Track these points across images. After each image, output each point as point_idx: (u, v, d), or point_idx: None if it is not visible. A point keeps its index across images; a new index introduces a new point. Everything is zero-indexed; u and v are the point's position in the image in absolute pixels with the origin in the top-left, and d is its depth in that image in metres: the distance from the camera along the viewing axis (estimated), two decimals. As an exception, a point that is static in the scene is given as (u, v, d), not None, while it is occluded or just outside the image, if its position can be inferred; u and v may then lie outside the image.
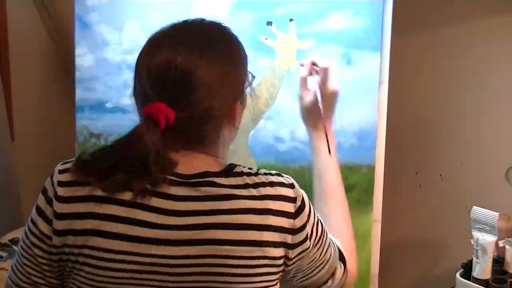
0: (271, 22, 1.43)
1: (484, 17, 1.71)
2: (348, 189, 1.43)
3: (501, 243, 1.43)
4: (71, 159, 0.88)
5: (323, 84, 1.11)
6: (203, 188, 0.83)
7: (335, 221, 1.06)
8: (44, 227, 0.84)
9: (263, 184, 0.86)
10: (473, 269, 1.43)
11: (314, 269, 0.93)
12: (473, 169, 1.79)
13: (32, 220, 0.87)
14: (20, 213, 1.59)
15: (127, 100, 1.48)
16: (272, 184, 0.87)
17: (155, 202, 0.82)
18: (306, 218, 0.88)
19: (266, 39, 1.43)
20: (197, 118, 0.85)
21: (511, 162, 1.63)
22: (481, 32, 1.72)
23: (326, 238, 0.94)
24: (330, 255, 0.95)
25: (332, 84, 1.11)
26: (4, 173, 1.55)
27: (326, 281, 0.97)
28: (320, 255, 0.93)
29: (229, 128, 0.92)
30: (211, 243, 0.81)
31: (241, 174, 0.87)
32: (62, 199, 0.83)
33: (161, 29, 0.91)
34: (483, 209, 1.43)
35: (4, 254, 1.44)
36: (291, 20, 1.42)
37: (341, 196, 1.11)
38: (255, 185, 0.85)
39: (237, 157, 1.44)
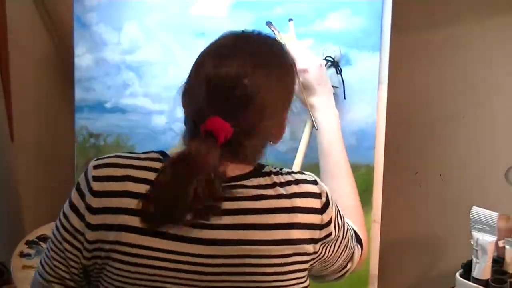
0: (271, 22, 1.42)
1: (484, 17, 1.71)
2: (348, 189, 1.43)
3: (501, 243, 1.43)
4: (107, 155, 0.89)
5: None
6: (233, 191, 0.84)
7: (344, 199, 1.09)
8: (76, 222, 0.85)
9: (289, 183, 0.87)
10: (472, 269, 1.43)
11: (336, 259, 0.96)
12: (473, 169, 1.79)
13: (64, 215, 0.87)
14: (20, 213, 1.59)
15: (127, 100, 1.49)
16: (297, 182, 0.88)
17: None
18: (331, 212, 0.90)
19: (266, 39, 1.43)
20: (250, 135, 0.86)
21: (511, 162, 1.63)
22: (480, 32, 1.72)
23: (345, 226, 0.96)
24: (348, 241, 0.97)
25: (300, 64, 1.16)
26: (3, 173, 1.55)
27: (346, 265, 1.00)
28: (341, 244, 0.95)
29: (275, 140, 0.94)
30: (244, 243, 0.82)
31: (269, 173, 0.87)
32: (97, 194, 0.84)
33: (223, 37, 0.91)
34: (483, 209, 1.43)
35: (31, 251, 1.42)
36: (290, 20, 1.42)
37: (347, 173, 1.15)
38: (282, 184, 0.87)
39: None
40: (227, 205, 0.83)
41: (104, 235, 0.83)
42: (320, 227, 0.88)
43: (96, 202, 0.83)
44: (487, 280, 1.41)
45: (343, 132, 1.44)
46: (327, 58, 1.39)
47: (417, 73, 1.80)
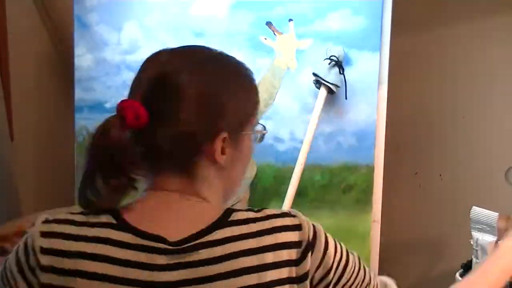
0: (271, 23, 1.43)
1: (484, 17, 1.71)
2: (348, 189, 1.44)
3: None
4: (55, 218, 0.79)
5: None
6: (194, 254, 0.74)
7: None
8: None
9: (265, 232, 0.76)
10: (472, 269, 1.43)
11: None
12: (473, 169, 1.79)
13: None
14: (20, 213, 1.59)
15: (126, 100, 1.49)
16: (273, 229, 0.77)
17: (147, 275, 0.74)
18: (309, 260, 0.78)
19: (266, 39, 1.43)
20: (170, 133, 0.77)
21: (511, 162, 1.63)
22: (480, 32, 1.72)
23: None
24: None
25: None
26: (3, 173, 1.54)
27: None
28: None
29: (209, 164, 0.79)
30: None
31: (239, 222, 0.77)
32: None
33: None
34: (483, 209, 1.43)
35: None
36: (290, 20, 1.42)
37: None
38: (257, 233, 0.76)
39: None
40: (187, 274, 0.74)
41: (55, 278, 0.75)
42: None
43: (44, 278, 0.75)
44: (487, 280, 1.41)
45: (343, 131, 1.44)
46: (331, 57, 1.39)
47: (417, 73, 1.80)
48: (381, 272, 1.47)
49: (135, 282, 0.74)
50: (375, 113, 1.43)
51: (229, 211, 0.78)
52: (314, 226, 0.80)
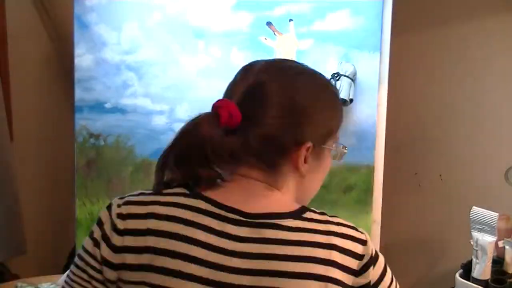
0: (271, 23, 1.43)
1: (484, 17, 1.71)
2: (348, 189, 1.44)
3: (500, 244, 1.43)
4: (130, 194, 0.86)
5: None
6: (267, 231, 0.79)
7: None
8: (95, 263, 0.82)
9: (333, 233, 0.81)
10: (472, 270, 1.43)
11: None
12: (473, 169, 1.79)
13: (86, 251, 0.83)
14: (19, 213, 1.59)
15: (126, 100, 1.49)
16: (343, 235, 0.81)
17: (215, 240, 0.78)
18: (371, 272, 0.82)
19: (266, 39, 1.43)
20: (260, 134, 0.82)
21: (511, 162, 1.63)
22: (480, 32, 1.72)
23: None
24: None
25: None
26: (3, 173, 1.54)
27: None
28: None
29: (291, 169, 0.84)
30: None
31: (313, 220, 0.81)
32: (121, 232, 0.81)
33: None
34: (483, 209, 1.43)
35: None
36: (290, 20, 1.42)
37: None
38: (325, 232, 0.81)
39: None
40: (258, 248, 0.78)
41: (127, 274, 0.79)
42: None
43: (119, 241, 0.80)
44: (486, 280, 1.41)
45: (344, 132, 1.44)
46: (333, 74, 1.40)
47: (417, 73, 1.80)
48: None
49: (204, 244, 0.78)
50: (375, 113, 1.43)
51: (305, 208, 0.83)
52: (376, 250, 0.84)
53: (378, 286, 0.82)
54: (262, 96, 0.82)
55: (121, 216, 0.81)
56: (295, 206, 0.83)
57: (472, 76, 1.76)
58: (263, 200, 0.83)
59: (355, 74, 1.41)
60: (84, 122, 1.49)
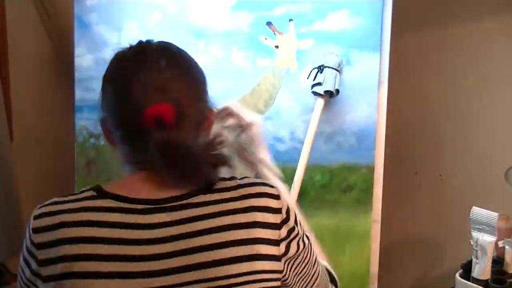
0: (271, 23, 1.43)
1: (484, 17, 1.71)
2: (348, 189, 1.44)
3: (500, 244, 1.43)
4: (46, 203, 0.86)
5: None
6: (181, 212, 0.81)
7: None
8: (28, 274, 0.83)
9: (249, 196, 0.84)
10: (472, 270, 1.43)
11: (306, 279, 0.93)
12: (473, 169, 1.79)
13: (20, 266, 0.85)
14: (19, 213, 1.59)
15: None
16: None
17: (128, 234, 0.79)
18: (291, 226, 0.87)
19: (266, 39, 1.43)
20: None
21: (511, 162, 1.63)
22: (480, 32, 1.72)
23: (312, 254, 0.93)
24: (318, 271, 0.95)
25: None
26: (3, 173, 1.54)
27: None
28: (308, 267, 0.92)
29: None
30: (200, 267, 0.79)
31: (222, 190, 0.84)
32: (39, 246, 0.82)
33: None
34: (483, 209, 1.43)
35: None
36: (290, 20, 1.42)
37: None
38: (240, 197, 0.84)
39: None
40: (174, 230, 0.80)
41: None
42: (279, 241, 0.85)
43: (40, 254, 0.81)
44: (486, 280, 1.41)
45: (343, 132, 1.44)
46: (319, 66, 1.41)
47: (417, 73, 1.80)
48: (381, 272, 1.47)
49: (117, 240, 0.78)
50: (375, 113, 1.43)
51: (213, 180, 0.85)
52: (287, 201, 0.88)
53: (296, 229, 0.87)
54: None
55: (35, 230, 0.82)
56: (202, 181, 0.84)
57: (472, 76, 1.76)
58: (170, 184, 0.83)
59: (340, 64, 1.40)
60: (84, 122, 1.49)
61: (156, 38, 1.47)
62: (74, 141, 1.51)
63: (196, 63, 0.91)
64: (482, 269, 1.41)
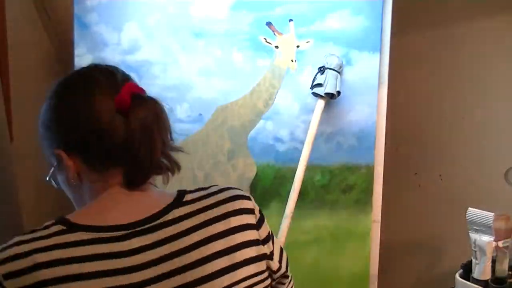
0: (271, 23, 1.43)
1: (483, 17, 1.71)
2: (348, 189, 1.44)
3: (500, 244, 1.42)
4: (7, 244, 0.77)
5: None
6: (158, 233, 0.78)
7: None
8: None
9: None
10: (472, 270, 1.43)
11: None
12: (472, 170, 1.79)
13: None
14: (19, 214, 1.58)
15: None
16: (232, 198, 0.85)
17: (108, 265, 0.74)
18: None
19: (266, 39, 1.43)
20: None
21: (511, 163, 1.63)
22: (480, 32, 1.72)
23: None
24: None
25: None
26: (3, 174, 1.54)
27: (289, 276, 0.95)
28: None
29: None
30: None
31: (194, 201, 0.83)
32: None
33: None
34: (479, 210, 1.42)
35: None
36: (290, 20, 1.42)
37: None
38: (213, 205, 0.83)
39: (237, 157, 1.44)
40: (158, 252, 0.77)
41: None
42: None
43: None
44: (486, 280, 1.41)
45: (343, 132, 1.44)
46: (320, 68, 1.41)
47: (417, 73, 1.80)
48: (381, 272, 1.47)
49: (97, 273, 0.73)
50: (375, 114, 1.43)
51: (181, 193, 0.83)
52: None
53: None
54: None
55: (6, 276, 0.72)
56: (171, 196, 0.82)
57: (472, 76, 1.76)
58: (139, 205, 0.81)
59: (341, 66, 1.40)
60: (84, 122, 1.49)
61: (156, 38, 1.48)
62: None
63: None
64: (482, 269, 1.41)
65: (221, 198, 0.83)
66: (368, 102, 1.42)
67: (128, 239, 0.76)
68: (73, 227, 0.76)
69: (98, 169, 0.82)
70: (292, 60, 1.43)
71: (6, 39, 1.58)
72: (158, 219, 0.79)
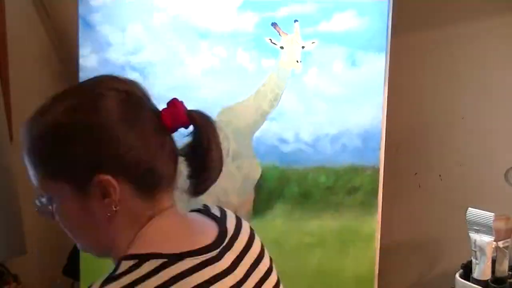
0: (276, 23, 1.42)
1: (485, 17, 1.71)
2: (353, 191, 1.44)
3: (500, 244, 1.43)
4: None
5: None
6: (236, 244, 0.81)
7: None
8: None
9: None
10: (472, 270, 1.44)
11: None
12: (472, 170, 1.80)
13: None
14: (19, 213, 1.57)
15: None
16: None
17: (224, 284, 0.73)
18: None
19: (271, 40, 1.42)
20: None
21: (511, 163, 1.64)
22: (481, 33, 1.72)
23: None
24: None
25: None
26: (3, 174, 1.53)
27: None
28: None
29: None
30: None
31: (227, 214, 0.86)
32: None
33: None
34: (479, 210, 1.43)
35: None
36: (295, 21, 1.42)
37: None
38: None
39: (241, 158, 1.43)
40: None
41: None
42: None
43: None
44: (486, 280, 1.41)
45: (348, 133, 1.44)
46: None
47: (417, 74, 1.80)
48: (381, 272, 1.48)
49: None
50: (381, 115, 1.43)
51: (207, 207, 0.85)
52: None
53: None
54: None
55: None
56: (201, 212, 0.84)
57: (472, 76, 1.77)
58: (197, 224, 0.80)
59: None
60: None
61: (161, 38, 1.47)
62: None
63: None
64: (482, 269, 1.41)
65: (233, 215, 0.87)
66: (374, 103, 1.42)
67: (221, 258, 0.74)
68: (172, 257, 0.70)
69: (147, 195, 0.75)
70: (297, 61, 1.42)
71: (6, 39, 1.56)
72: (229, 235, 0.79)
